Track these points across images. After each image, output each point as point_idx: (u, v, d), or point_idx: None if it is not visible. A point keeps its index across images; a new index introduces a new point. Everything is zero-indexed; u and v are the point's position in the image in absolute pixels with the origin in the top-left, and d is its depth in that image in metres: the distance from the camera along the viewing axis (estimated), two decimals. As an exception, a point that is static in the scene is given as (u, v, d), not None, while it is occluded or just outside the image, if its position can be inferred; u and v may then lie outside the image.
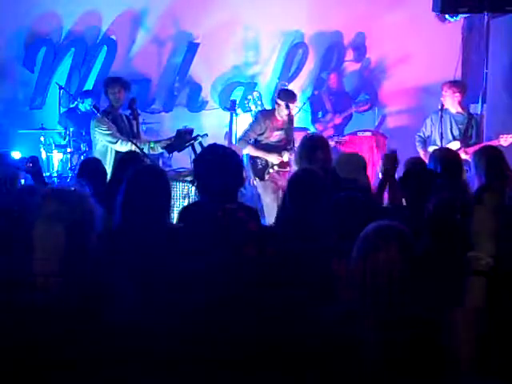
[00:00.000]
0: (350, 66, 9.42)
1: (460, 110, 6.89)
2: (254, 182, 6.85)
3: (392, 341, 2.34)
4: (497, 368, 2.63)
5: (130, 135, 6.36)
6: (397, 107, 9.26)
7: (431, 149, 6.74)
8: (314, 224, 3.51)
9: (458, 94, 6.85)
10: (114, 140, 6.18)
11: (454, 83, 6.97)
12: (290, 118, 6.82)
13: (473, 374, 2.45)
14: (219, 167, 3.23)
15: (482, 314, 2.42)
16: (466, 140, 6.77)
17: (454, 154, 5.15)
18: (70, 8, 8.52)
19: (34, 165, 4.70)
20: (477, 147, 6.60)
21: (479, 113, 8.24)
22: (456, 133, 6.84)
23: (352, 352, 2.32)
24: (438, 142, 6.82)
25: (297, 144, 6.03)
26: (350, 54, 9.38)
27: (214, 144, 3.74)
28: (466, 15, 8.45)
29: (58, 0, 8.53)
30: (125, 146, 6.10)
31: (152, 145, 6.29)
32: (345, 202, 3.39)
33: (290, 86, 8.77)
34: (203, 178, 3.23)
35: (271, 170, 6.65)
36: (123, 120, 6.49)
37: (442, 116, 6.78)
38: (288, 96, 6.78)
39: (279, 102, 6.67)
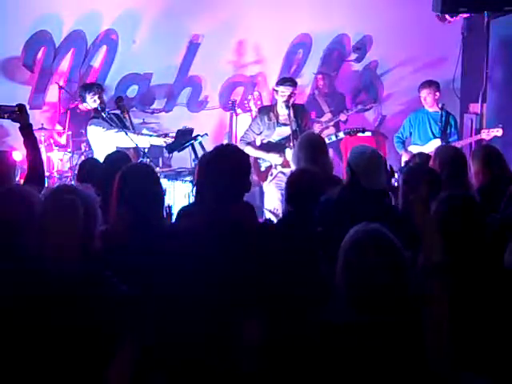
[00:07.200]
0: (351, 66, 9.43)
1: (437, 108, 7.06)
2: (263, 185, 6.41)
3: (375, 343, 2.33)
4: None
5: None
6: (397, 107, 9.26)
7: (412, 148, 6.86)
8: (312, 224, 3.48)
9: (437, 93, 7.10)
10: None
11: (432, 82, 7.15)
12: (297, 109, 6.27)
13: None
14: (225, 168, 3.17)
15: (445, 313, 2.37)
16: (446, 138, 6.93)
17: (460, 153, 5.11)
18: (70, 8, 8.52)
19: (21, 112, 4.02)
20: (457, 145, 6.72)
21: (479, 112, 8.24)
22: (436, 131, 6.98)
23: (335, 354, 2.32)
24: (419, 142, 7.05)
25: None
26: (350, 54, 9.38)
27: (227, 144, 3.70)
28: (466, 15, 8.45)
29: (57, 0, 8.53)
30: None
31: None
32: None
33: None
34: (208, 178, 3.17)
35: (274, 171, 6.21)
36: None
37: (421, 116, 7.11)
38: (283, 79, 6.50)
39: (276, 88, 6.30)
